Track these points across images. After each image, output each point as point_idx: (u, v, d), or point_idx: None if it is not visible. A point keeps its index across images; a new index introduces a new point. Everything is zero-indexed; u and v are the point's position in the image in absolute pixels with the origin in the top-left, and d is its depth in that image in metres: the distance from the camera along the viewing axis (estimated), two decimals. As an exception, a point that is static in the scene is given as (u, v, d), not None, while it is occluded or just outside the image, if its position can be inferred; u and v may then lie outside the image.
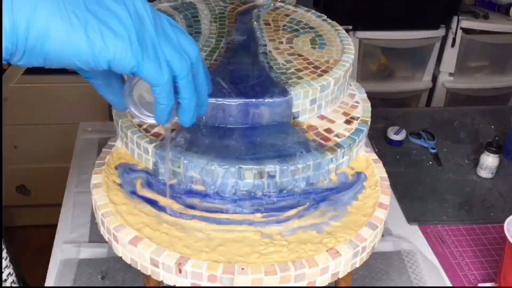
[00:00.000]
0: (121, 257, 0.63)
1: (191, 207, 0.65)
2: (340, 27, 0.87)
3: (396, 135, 1.29)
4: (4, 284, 0.73)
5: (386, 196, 0.69)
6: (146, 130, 0.70)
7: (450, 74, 2.15)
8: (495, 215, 1.09)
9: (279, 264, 0.58)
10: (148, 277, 0.63)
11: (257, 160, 0.64)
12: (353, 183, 0.71)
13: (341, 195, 0.69)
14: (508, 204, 1.12)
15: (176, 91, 0.45)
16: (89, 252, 0.91)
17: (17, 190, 1.93)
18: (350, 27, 1.97)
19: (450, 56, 2.10)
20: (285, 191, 0.67)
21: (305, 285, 0.59)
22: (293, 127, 0.71)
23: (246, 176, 0.64)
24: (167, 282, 0.60)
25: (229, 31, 0.84)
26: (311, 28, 0.87)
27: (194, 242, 0.61)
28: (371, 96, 0.80)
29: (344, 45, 0.81)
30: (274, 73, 0.73)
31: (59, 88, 1.77)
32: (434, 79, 2.18)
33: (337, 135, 0.71)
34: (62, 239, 0.95)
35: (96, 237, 0.94)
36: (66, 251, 0.92)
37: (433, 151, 1.28)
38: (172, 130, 0.69)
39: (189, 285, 0.59)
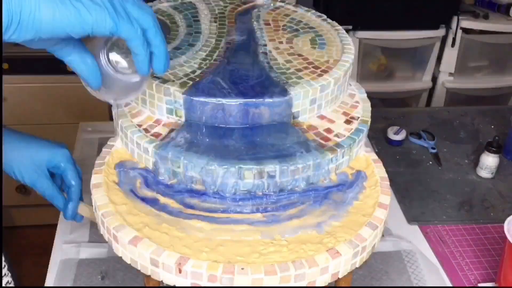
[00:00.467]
0: (121, 257, 0.63)
1: (191, 207, 0.65)
2: (340, 27, 0.87)
3: (396, 135, 1.29)
4: None
5: (386, 196, 0.69)
6: (146, 130, 0.70)
7: (450, 74, 2.15)
8: (495, 215, 1.09)
9: (279, 264, 0.58)
10: (148, 277, 0.63)
11: (257, 160, 0.64)
12: (353, 182, 0.71)
13: (341, 195, 0.69)
14: (508, 204, 1.12)
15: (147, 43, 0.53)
16: (89, 252, 0.91)
17: (17, 190, 1.93)
18: (350, 27, 1.98)
19: (450, 56, 2.10)
20: (285, 191, 0.67)
21: (305, 285, 0.59)
22: (293, 127, 0.71)
23: (246, 176, 0.64)
24: (167, 282, 0.60)
25: (229, 31, 0.84)
26: (311, 28, 0.87)
27: (194, 242, 0.61)
28: (371, 96, 0.80)
29: (344, 45, 0.81)
30: (274, 73, 0.73)
31: (59, 88, 1.77)
32: (434, 79, 2.18)
33: (337, 135, 0.71)
34: (62, 239, 0.95)
35: (96, 237, 0.94)
36: (66, 251, 0.92)
37: (433, 151, 1.28)
38: (172, 130, 0.69)
39: (189, 285, 0.59)
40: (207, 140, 0.67)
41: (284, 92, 0.69)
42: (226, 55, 0.77)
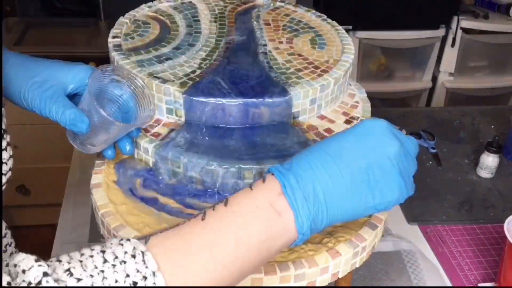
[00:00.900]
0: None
1: (191, 207, 0.65)
2: (340, 27, 0.87)
3: (396, 135, 1.29)
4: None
5: (386, 196, 0.69)
6: (146, 130, 0.70)
7: (450, 74, 2.15)
8: (495, 215, 1.09)
9: (279, 264, 0.58)
10: (148, 277, 0.63)
11: (257, 160, 0.64)
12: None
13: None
14: (508, 204, 1.12)
15: None
16: (89, 252, 0.91)
17: (17, 190, 1.92)
18: (350, 27, 1.98)
19: (450, 56, 2.10)
20: (285, 191, 0.66)
21: (305, 285, 0.59)
22: (293, 127, 0.71)
23: (246, 176, 0.64)
24: (167, 282, 0.60)
25: (229, 31, 0.84)
26: (311, 28, 0.87)
27: (194, 242, 0.61)
28: (371, 96, 0.80)
29: (344, 45, 0.81)
30: (274, 73, 0.73)
31: (59, 88, 1.76)
32: (434, 79, 2.18)
33: (337, 135, 0.71)
34: (62, 239, 0.95)
35: (96, 237, 0.94)
36: (66, 251, 0.92)
37: (433, 151, 1.28)
38: (172, 130, 0.69)
39: (189, 285, 0.59)
40: (207, 140, 0.67)
41: (284, 92, 0.69)
42: (226, 55, 0.77)
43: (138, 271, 0.40)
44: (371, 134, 0.51)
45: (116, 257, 0.40)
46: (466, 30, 2.05)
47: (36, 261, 0.39)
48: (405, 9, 1.99)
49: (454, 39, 2.05)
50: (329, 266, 0.60)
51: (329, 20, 0.90)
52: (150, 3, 0.90)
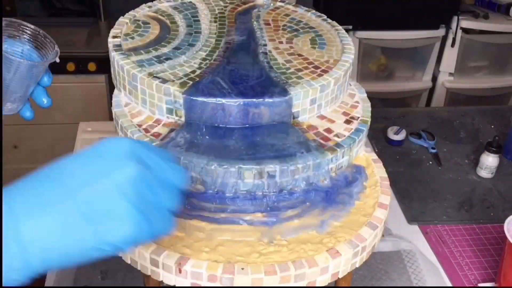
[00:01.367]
0: (121, 257, 0.63)
1: (191, 206, 0.65)
2: (340, 27, 0.87)
3: (396, 135, 1.29)
4: None
5: (386, 196, 0.69)
6: (146, 130, 0.70)
7: (450, 74, 2.15)
8: (495, 215, 1.09)
9: (279, 264, 0.58)
10: (148, 277, 0.63)
11: (257, 160, 0.64)
12: (352, 182, 0.71)
13: (341, 195, 0.69)
14: (508, 204, 1.12)
15: None
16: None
17: (17, 190, 1.92)
18: (350, 27, 1.98)
19: (450, 56, 2.10)
20: (285, 191, 0.67)
21: (305, 285, 0.59)
22: (293, 127, 0.71)
23: (246, 176, 0.64)
24: (167, 282, 0.60)
25: (229, 31, 0.84)
26: (311, 28, 0.87)
27: (194, 242, 0.61)
28: (371, 96, 0.80)
29: (344, 45, 0.81)
30: (274, 73, 0.73)
31: (59, 88, 1.76)
32: (434, 79, 2.18)
33: (337, 135, 0.71)
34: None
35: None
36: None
37: (433, 151, 1.28)
38: (172, 130, 0.69)
39: (189, 285, 0.59)
40: (207, 140, 0.67)
41: (284, 92, 0.69)
42: (226, 55, 0.77)
43: None
44: (103, 155, 0.43)
45: None
46: (466, 30, 2.05)
47: None
48: (405, 9, 1.99)
49: (454, 39, 2.05)
50: (329, 266, 0.60)
51: (329, 20, 0.90)
52: (150, 3, 0.90)
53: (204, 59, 0.75)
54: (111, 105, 0.66)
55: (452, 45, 2.07)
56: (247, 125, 0.69)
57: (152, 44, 0.78)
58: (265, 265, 0.58)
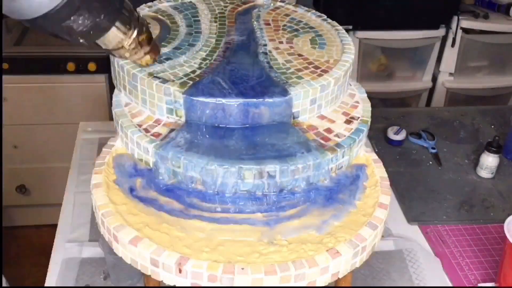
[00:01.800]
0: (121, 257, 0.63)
1: (191, 207, 0.65)
2: (340, 27, 0.87)
3: (396, 135, 1.29)
4: None
5: (386, 196, 0.69)
6: (146, 130, 0.70)
7: (450, 74, 2.15)
8: (495, 215, 1.09)
9: (279, 264, 0.58)
10: (148, 277, 0.63)
11: (257, 160, 0.64)
12: (353, 182, 0.71)
13: (341, 195, 0.69)
14: (508, 204, 1.12)
15: None
16: (91, 251, 0.91)
17: (17, 190, 1.92)
18: (350, 27, 1.97)
19: (450, 56, 2.10)
20: (285, 191, 0.67)
21: (305, 285, 0.59)
22: (293, 127, 0.71)
23: (246, 176, 0.64)
24: (167, 282, 0.60)
25: (229, 31, 0.84)
26: (311, 28, 0.87)
27: (194, 242, 0.61)
28: (371, 96, 0.80)
29: (344, 45, 0.81)
30: (274, 73, 0.73)
31: (59, 88, 1.76)
32: (434, 79, 2.18)
33: (337, 135, 0.71)
34: (62, 238, 0.95)
35: (96, 236, 0.94)
36: (68, 250, 0.92)
37: (433, 151, 1.28)
38: (172, 130, 0.69)
39: (189, 285, 0.59)
40: (207, 140, 0.67)
41: (284, 92, 0.69)
42: (226, 55, 0.77)
43: None
44: None
45: None
46: (466, 30, 2.04)
47: None
48: (405, 9, 1.99)
49: (454, 39, 2.05)
50: (329, 266, 0.60)
51: (329, 20, 0.90)
52: (150, 3, 0.90)
53: (204, 59, 0.75)
54: (111, 105, 0.66)
55: (452, 45, 2.07)
56: (247, 125, 0.69)
57: (152, 44, 0.78)
58: (265, 265, 0.58)
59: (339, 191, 0.69)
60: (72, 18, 0.53)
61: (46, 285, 0.86)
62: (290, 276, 0.58)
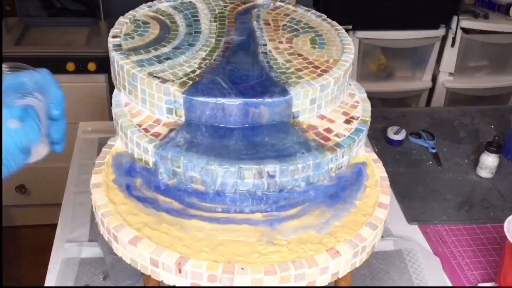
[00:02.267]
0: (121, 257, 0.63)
1: (191, 206, 0.65)
2: (340, 27, 0.87)
3: (396, 135, 1.29)
4: None
5: (386, 196, 0.69)
6: (146, 130, 0.70)
7: (450, 74, 2.15)
8: (495, 215, 1.09)
9: (279, 264, 0.58)
10: (147, 277, 0.63)
11: (257, 160, 0.64)
12: (353, 181, 0.71)
13: (341, 195, 0.69)
14: (508, 204, 1.12)
15: None
16: (90, 251, 0.91)
17: (17, 190, 1.92)
18: (350, 27, 1.97)
19: (450, 56, 2.10)
20: (285, 191, 0.67)
21: (305, 285, 0.59)
22: (293, 127, 0.71)
23: (246, 176, 0.64)
24: (167, 282, 0.60)
25: (229, 30, 0.84)
26: (311, 28, 0.87)
27: (194, 242, 0.61)
28: (371, 96, 0.80)
29: (344, 45, 0.81)
30: (274, 72, 0.73)
31: (59, 88, 1.76)
32: (434, 79, 2.18)
33: (337, 135, 0.71)
34: (62, 238, 0.95)
35: (96, 236, 0.94)
36: (68, 250, 0.92)
37: (433, 151, 1.28)
38: (172, 130, 0.69)
39: (189, 285, 0.59)
40: (207, 140, 0.67)
41: (284, 92, 0.69)
42: (226, 55, 0.77)
43: None
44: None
45: None
46: (466, 30, 2.05)
47: None
48: (405, 9, 1.99)
49: (454, 39, 2.05)
50: (329, 266, 0.60)
51: (329, 20, 0.90)
52: (150, 3, 0.90)
53: (204, 59, 0.75)
54: (111, 105, 0.66)
55: (452, 45, 2.07)
56: (247, 125, 0.69)
57: (152, 44, 0.78)
58: (265, 265, 0.58)
59: (339, 191, 0.69)
60: None
61: (45, 285, 0.86)
62: (290, 276, 0.58)
